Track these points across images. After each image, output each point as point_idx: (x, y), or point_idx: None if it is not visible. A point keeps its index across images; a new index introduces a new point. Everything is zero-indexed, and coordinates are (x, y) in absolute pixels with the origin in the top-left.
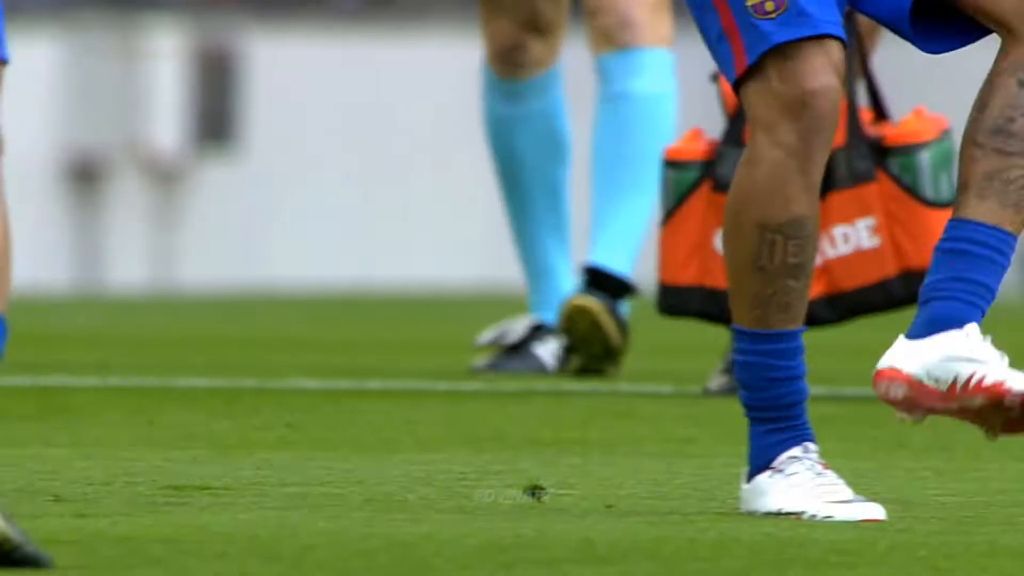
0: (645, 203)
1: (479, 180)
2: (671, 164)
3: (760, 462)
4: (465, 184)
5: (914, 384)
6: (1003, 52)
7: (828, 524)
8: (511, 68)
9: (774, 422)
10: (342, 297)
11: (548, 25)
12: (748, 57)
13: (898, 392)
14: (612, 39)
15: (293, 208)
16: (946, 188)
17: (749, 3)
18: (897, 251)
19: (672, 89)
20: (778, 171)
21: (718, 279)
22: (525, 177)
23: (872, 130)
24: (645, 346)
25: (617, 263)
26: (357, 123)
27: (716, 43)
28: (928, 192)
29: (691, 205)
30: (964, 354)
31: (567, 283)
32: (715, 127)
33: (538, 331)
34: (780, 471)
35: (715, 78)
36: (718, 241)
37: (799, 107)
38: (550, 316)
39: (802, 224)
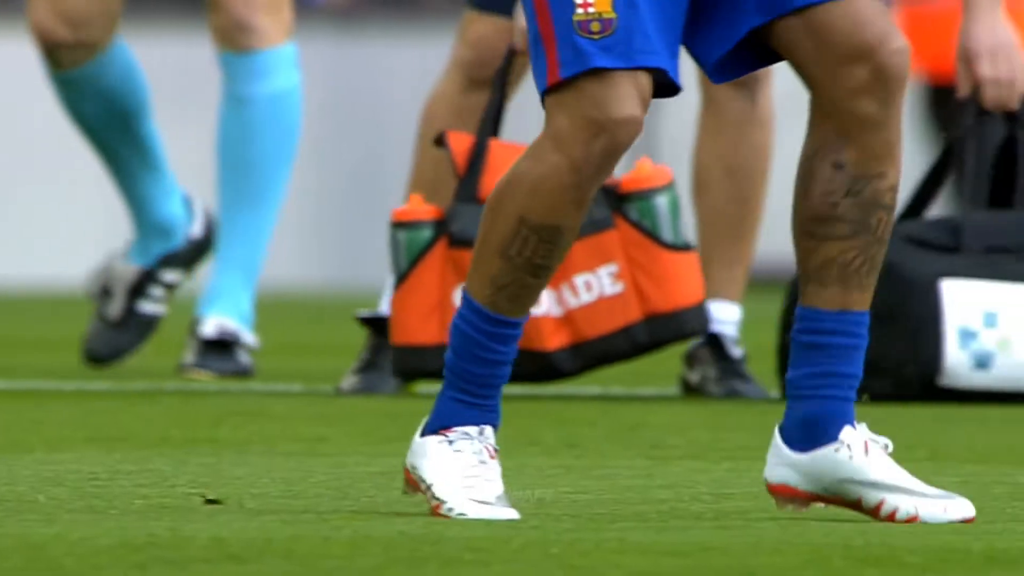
0: (272, 208)
1: (97, 176)
2: (402, 225)
3: (437, 423)
4: (84, 181)
5: (815, 498)
6: (812, 129)
7: (463, 522)
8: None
9: (465, 393)
10: None
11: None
12: (562, 72)
13: (804, 508)
14: (232, 41)
15: None
16: (682, 232)
17: (576, 19)
18: (640, 296)
19: (296, 81)
20: (555, 179)
21: None
22: (106, 138)
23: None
24: (275, 345)
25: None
26: None
27: (532, 44)
28: (668, 235)
29: (427, 264)
30: (854, 476)
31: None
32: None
33: (147, 278)
34: (449, 442)
35: (440, 141)
36: (458, 298)
37: (598, 131)
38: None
39: (561, 233)
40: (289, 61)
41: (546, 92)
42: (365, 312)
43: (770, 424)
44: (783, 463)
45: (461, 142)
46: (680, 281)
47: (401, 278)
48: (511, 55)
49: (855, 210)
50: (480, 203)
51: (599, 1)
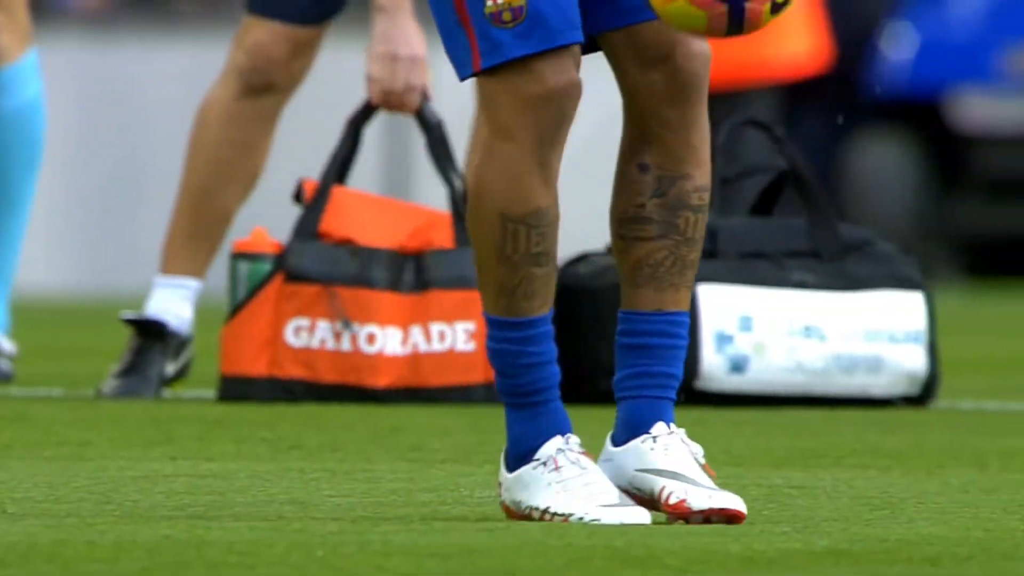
0: (23, 216)
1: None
2: (244, 256)
3: (521, 450)
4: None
5: (630, 493)
6: (623, 133)
7: (227, 526)
8: None
9: (533, 407)
10: None
11: None
12: (483, 62)
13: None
14: None
15: None
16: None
17: (487, 11)
18: (488, 362)
19: (38, 89)
20: (515, 166)
21: (289, 369)
22: None
23: None
24: (35, 350)
25: None
26: None
27: (451, 33)
28: None
29: (263, 297)
30: (647, 466)
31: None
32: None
33: None
34: (544, 464)
35: (298, 197)
36: (290, 332)
37: (538, 105)
38: None
39: (543, 214)
40: (31, 71)
41: (473, 77)
42: (130, 314)
43: None
44: (605, 458)
45: (312, 184)
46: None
47: (236, 309)
48: (368, 107)
49: (661, 211)
50: (318, 240)
51: None
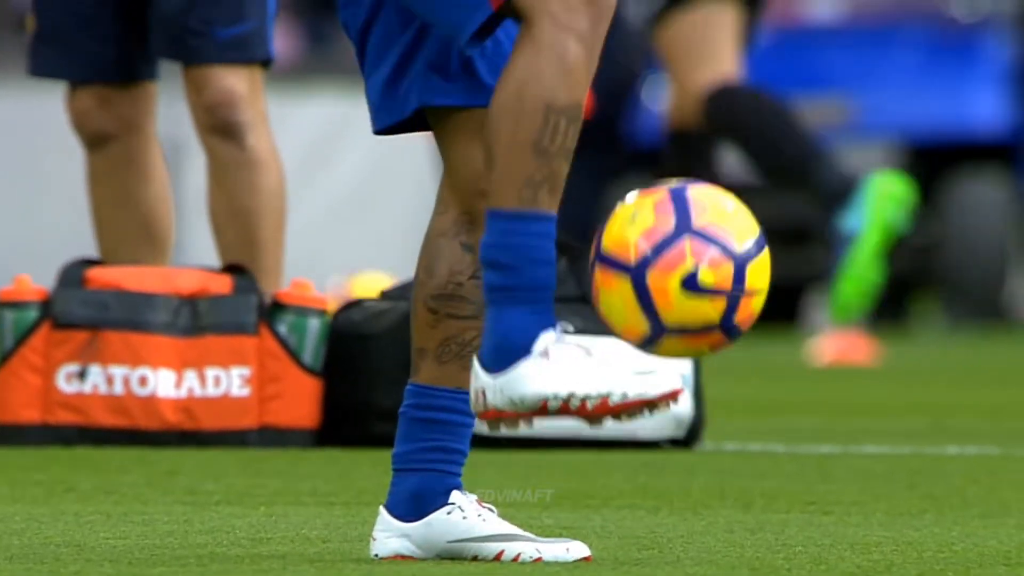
0: None
1: None
2: (8, 304)
3: (513, 345)
4: None
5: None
6: (441, 208)
7: (1, 568)
8: None
9: (533, 303)
10: None
11: None
12: None
13: None
14: None
15: None
16: (322, 358)
17: None
18: (262, 407)
19: None
20: (569, 55)
21: (61, 415)
22: None
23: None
24: None
25: None
26: None
27: None
28: (307, 358)
29: (31, 345)
30: (468, 535)
31: None
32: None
33: None
34: (546, 355)
35: (79, 272)
36: (61, 378)
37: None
38: None
39: (580, 111)
40: None
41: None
42: None
43: (303, 471)
44: (395, 535)
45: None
46: (302, 403)
47: (4, 357)
48: None
49: (477, 292)
50: (84, 287)
51: None
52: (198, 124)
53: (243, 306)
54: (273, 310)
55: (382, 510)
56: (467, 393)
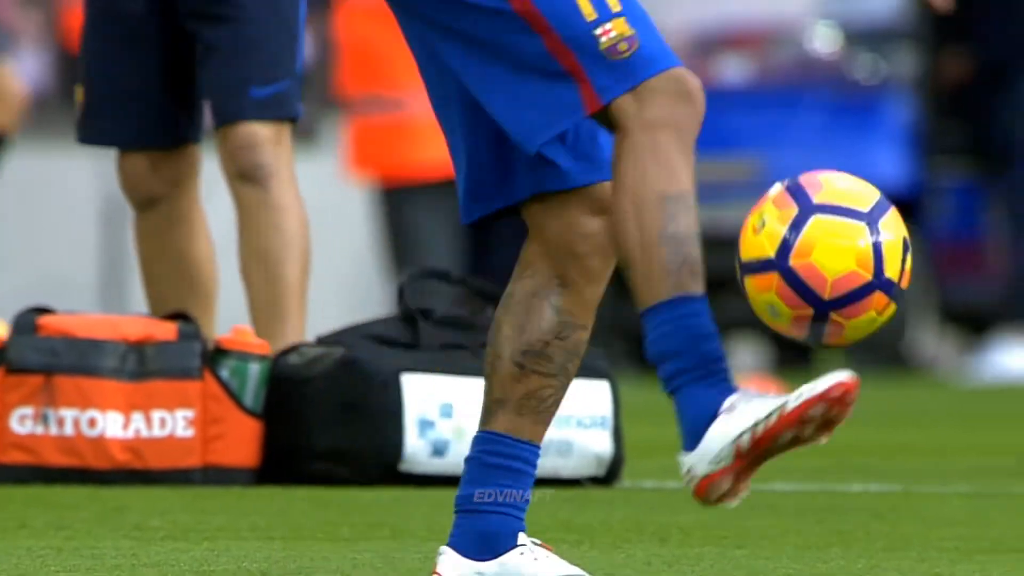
0: None
1: None
2: None
3: (705, 418)
4: None
5: None
6: (534, 267)
7: None
8: None
9: (712, 375)
10: None
11: None
12: (605, 96)
13: None
14: None
15: None
16: (261, 401)
17: (602, 47)
18: (205, 447)
19: None
20: (670, 149)
21: (14, 455)
22: None
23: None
24: None
25: None
26: None
27: (536, 88)
28: (248, 401)
29: None
30: (545, 574)
31: None
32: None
33: None
34: (731, 410)
35: None
36: (15, 420)
37: (689, 97)
38: None
39: (691, 194)
40: None
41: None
42: None
43: (244, 507)
44: (468, 572)
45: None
46: (243, 444)
47: None
48: None
49: (560, 353)
50: (36, 334)
51: (616, 23)
52: (226, 174)
53: (187, 352)
54: (216, 355)
55: (448, 550)
56: (536, 446)
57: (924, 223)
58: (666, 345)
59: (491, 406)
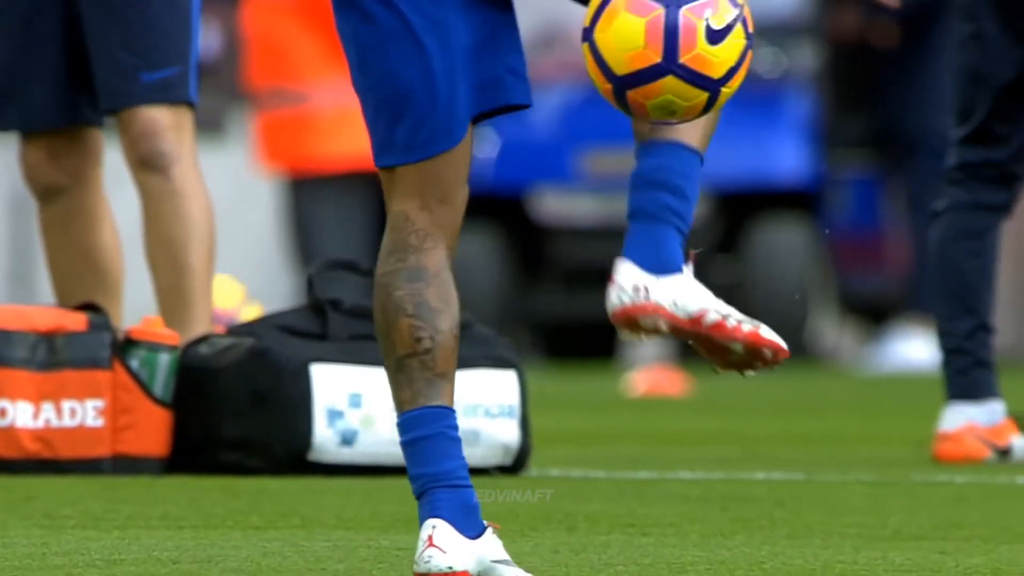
0: None
1: None
2: None
3: (672, 261)
4: None
5: None
6: (431, 244)
7: None
8: None
9: (682, 236)
10: None
11: None
12: None
13: None
14: None
15: None
16: (171, 391)
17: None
18: (115, 436)
19: None
20: None
21: None
22: None
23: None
24: None
25: None
26: None
27: None
28: (158, 391)
29: None
30: (502, 557)
31: None
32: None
33: None
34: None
35: None
36: None
37: None
38: None
39: None
40: None
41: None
42: None
43: (154, 496)
44: (469, 552)
45: None
46: (153, 433)
47: None
48: None
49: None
50: None
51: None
52: (129, 163)
53: (97, 342)
54: (126, 346)
55: (445, 525)
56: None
57: (824, 215)
58: (684, 184)
59: (434, 380)
